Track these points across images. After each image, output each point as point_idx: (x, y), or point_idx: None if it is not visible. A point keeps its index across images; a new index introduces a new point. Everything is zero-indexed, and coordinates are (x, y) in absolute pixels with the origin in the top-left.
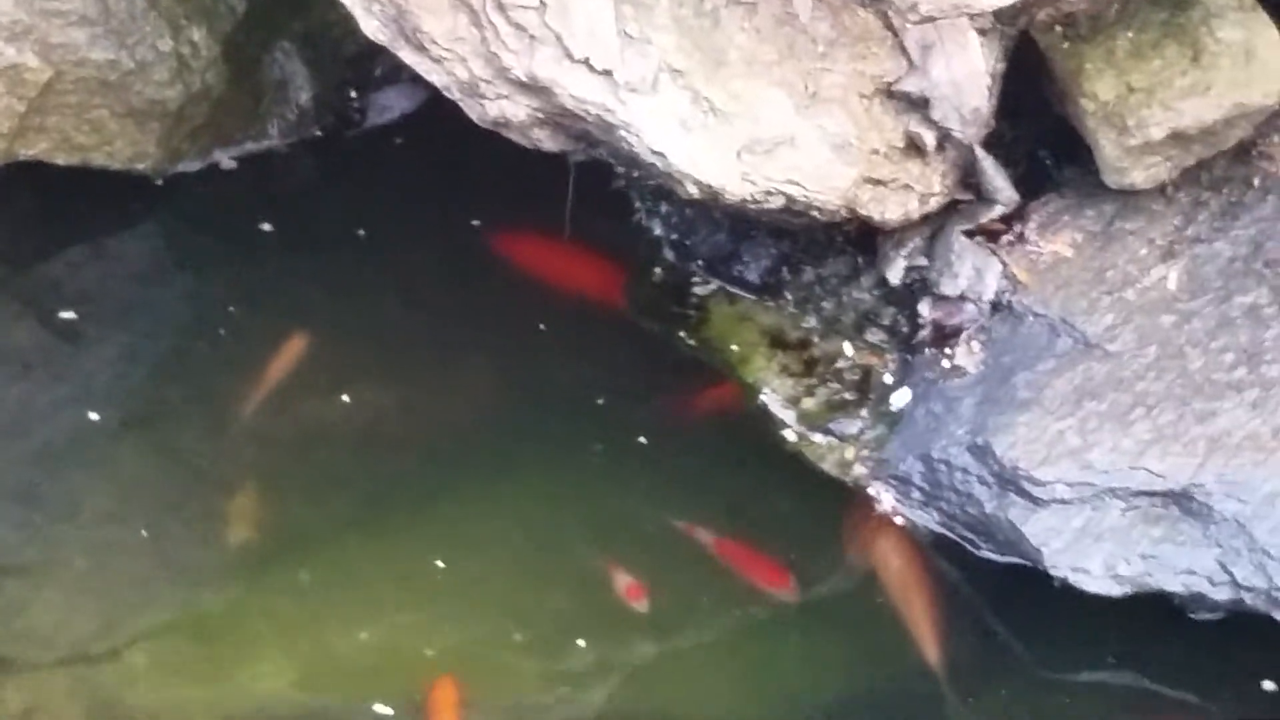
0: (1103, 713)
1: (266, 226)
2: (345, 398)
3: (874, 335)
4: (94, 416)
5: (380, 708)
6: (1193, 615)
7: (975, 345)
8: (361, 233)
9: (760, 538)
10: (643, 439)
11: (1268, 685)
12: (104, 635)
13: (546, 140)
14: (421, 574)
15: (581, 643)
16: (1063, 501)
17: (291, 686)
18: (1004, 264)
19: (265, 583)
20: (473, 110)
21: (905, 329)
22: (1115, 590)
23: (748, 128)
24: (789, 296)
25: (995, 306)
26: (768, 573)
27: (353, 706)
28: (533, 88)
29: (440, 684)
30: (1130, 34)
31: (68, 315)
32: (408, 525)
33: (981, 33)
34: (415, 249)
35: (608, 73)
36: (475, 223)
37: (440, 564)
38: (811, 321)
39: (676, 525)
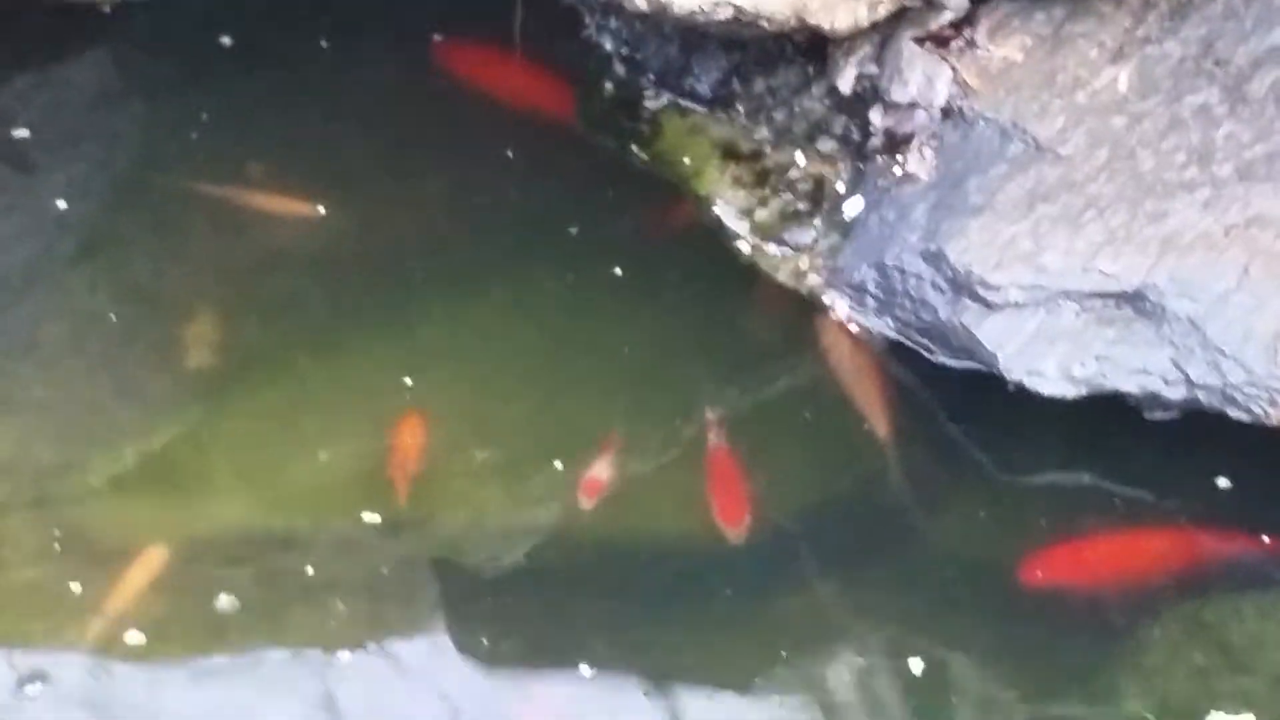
0: (1061, 513)
1: (226, 41)
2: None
3: (826, 144)
4: (49, 246)
5: (369, 516)
6: (1147, 415)
7: (927, 152)
8: (324, 44)
9: (715, 352)
10: (609, 262)
11: (1222, 482)
12: (65, 464)
13: None
14: (387, 393)
15: (558, 464)
16: (1016, 305)
17: (255, 507)
18: (954, 70)
19: (226, 407)
20: None
21: (857, 137)
22: (1070, 392)
23: None
24: (740, 108)
25: (946, 113)
26: (727, 506)
27: (316, 524)
28: None
29: (408, 419)
30: None
31: (20, 141)
32: (371, 346)
33: None
34: (373, 64)
35: None
36: (436, 37)
37: (408, 381)
38: (763, 132)
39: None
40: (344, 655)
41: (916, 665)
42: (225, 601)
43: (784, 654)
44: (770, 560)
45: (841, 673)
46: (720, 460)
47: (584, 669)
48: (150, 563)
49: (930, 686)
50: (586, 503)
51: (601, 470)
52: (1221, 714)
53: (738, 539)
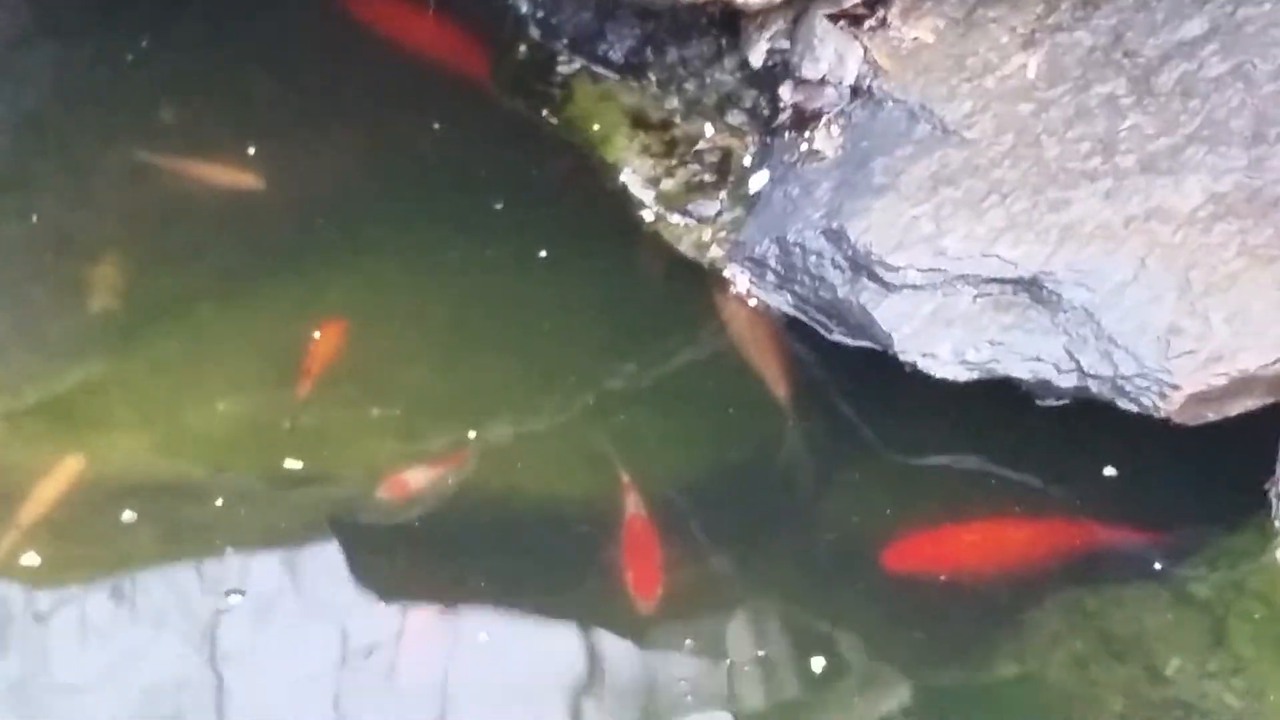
0: (949, 494)
1: None
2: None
3: (735, 117)
4: None
5: (266, 464)
6: (1039, 402)
7: (834, 130)
8: None
9: (615, 320)
10: (514, 226)
11: (1109, 471)
12: None
13: None
14: (291, 345)
15: (454, 425)
16: (914, 287)
17: (150, 454)
18: (866, 49)
19: (128, 352)
20: None
21: (766, 112)
22: (963, 376)
23: None
24: (652, 77)
25: (855, 91)
26: (641, 577)
27: (214, 471)
28: None
29: (331, 323)
30: None
31: None
32: (277, 298)
33: None
34: (293, 10)
35: None
36: None
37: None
38: (674, 102)
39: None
40: (233, 597)
41: (798, 645)
42: (123, 542)
43: (676, 622)
44: (663, 529)
45: (725, 642)
46: (637, 529)
47: (476, 630)
48: (66, 473)
49: (811, 666)
50: (386, 496)
51: (415, 476)
52: None
53: (648, 609)
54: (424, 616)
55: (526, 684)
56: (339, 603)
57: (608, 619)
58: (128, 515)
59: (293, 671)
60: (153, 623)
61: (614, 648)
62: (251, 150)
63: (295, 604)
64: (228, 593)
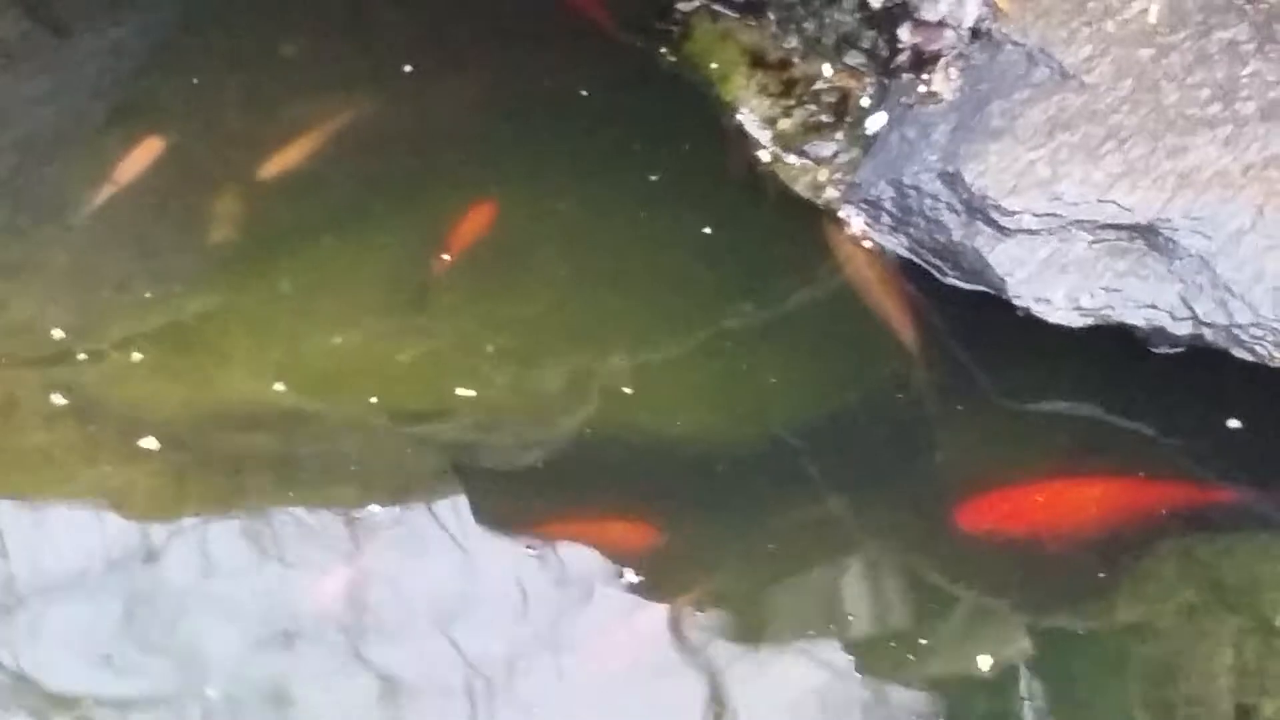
0: (1063, 442)
1: None
2: (337, 96)
3: (853, 58)
4: (79, 110)
5: (379, 398)
6: (1153, 349)
7: (953, 72)
8: None
9: (730, 259)
10: (632, 164)
11: (1232, 423)
12: (84, 331)
13: None
14: (407, 279)
15: (570, 362)
16: (1029, 232)
17: (269, 386)
18: None
19: (247, 283)
20: None
21: (885, 53)
22: (1077, 322)
23: None
24: (771, 16)
25: (975, 33)
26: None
27: (330, 408)
28: None
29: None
30: None
31: (57, 3)
32: (395, 230)
33: None
34: None
35: None
36: None
37: (445, 257)
38: (792, 42)
39: None
40: (359, 517)
41: (909, 589)
42: (240, 467)
43: (793, 563)
44: (776, 470)
45: (827, 584)
46: None
47: (609, 568)
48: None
49: (922, 610)
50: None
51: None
52: None
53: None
54: (544, 549)
55: (649, 619)
56: (460, 538)
57: (720, 554)
58: (239, 444)
59: (409, 605)
60: (264, 554)
61: (730, 582)
62: (373, 81)
63: (411, 536)
64: (343, 522)
